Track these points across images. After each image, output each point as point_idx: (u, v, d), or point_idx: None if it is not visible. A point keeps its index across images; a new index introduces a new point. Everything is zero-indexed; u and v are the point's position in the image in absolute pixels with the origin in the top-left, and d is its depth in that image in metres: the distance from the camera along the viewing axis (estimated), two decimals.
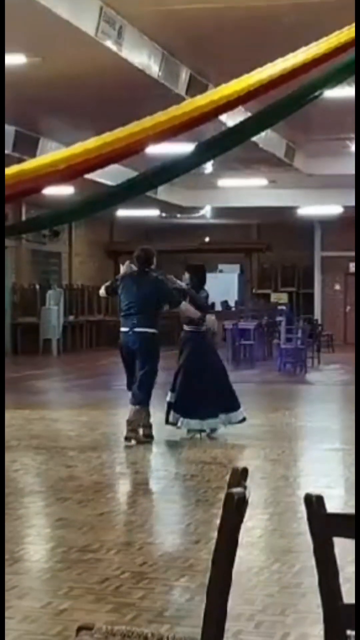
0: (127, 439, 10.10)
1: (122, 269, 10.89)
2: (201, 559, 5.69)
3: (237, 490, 2.50)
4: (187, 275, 11.23)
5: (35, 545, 6.24)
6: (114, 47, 12.10)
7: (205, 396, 10.45)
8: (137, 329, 10.27)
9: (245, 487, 2.56)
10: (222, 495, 2.32)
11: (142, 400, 10.23)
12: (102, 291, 10.98)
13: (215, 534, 2.48)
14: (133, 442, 10.04)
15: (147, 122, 11.74)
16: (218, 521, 2.47)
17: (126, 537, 6.45)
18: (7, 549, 5.98)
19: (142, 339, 10.28)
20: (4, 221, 14.29)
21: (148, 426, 10.26)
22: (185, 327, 10.92)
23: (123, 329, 10.43)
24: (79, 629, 2.98)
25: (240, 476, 2.65)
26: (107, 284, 10.97)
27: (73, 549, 6.00)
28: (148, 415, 10.30)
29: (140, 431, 10.18)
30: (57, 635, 4.49)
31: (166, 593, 5.19)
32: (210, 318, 11.10)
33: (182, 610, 4.92)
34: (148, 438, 10.19)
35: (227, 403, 10.72)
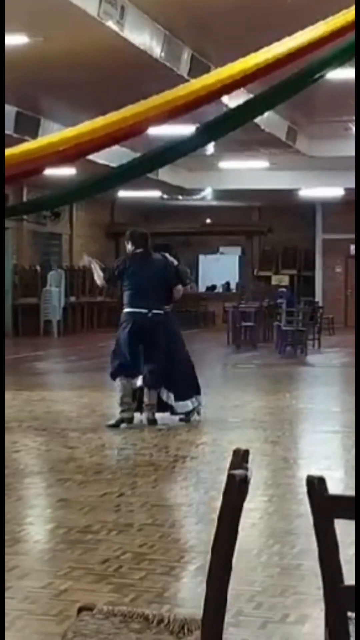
0: (153, 421, 10.22)
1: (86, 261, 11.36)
2: (201, 540, 5.70)
3: (238, 471, 2.50)
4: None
5: (35, 525, 6.26)
6: (115, 28, 12.06)
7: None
8: (155, 310, 10.27)
9: (247, 469, 2.56)
10: (222, 477, 2.32)
11: (160, 383, 10.30)
12: (101, 282, 10.81)
13: (215, 516, 2.48)
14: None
15: (149, 103, 11.71)
16: (218, 503, 2.47)
17: (126, 518, 6.46)
18: (8, 529, 6.00)
19: (161, 319, 10.33)
20: (4, 204, 14.24)
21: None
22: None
23: (140, 310, 10.31)
24: (80, 610, 2.99)
25: (241, 458, 2.65)
26: (103, 274, 10.70)
27: (73, 530, 6.01)
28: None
29: (151, 414, 10.24)
30: (58, 616, 4.50)
31: (166, 574, 5.20)
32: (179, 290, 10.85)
33: (183, 591, 4.94)
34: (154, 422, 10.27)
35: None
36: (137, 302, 10.33)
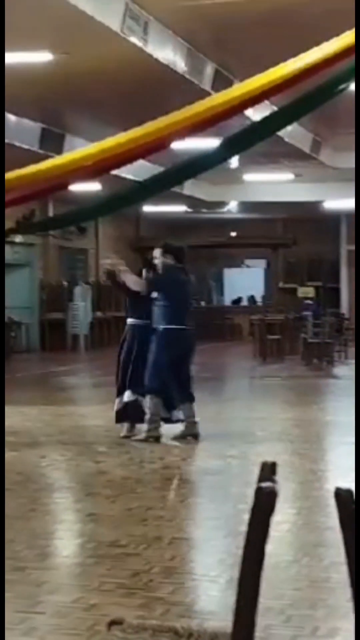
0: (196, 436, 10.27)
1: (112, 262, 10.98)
2: (230, 553, 5.70)
3: (267, 484, 2.51)
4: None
5: (65, 540, 6.27)
6: (139, 43, 12.12)
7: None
8: (191, 328, 10.42)
9: (275, 481, 2.57)
10: (250, 490, 2.32)
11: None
12: (141, 287, 10.44)
13: (243, 528, 2.49)
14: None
15: (173, 117, 11.76)
16: (246, 516, 2.48)
17: (155, 531, 6.47)
18: (38, 544, 6.02)
19: (194, 336, 10.54)
20: (4, 222, 14.28)
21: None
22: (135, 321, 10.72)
23: (188, 328, 10.33)
24: (110, 624, 3.00)
25: (269, 470, 2.66)
26: (142, 281, 10.52)
27: (103, 544, 6.02)
28: None
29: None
30: (88, 630, 4.51)
31: (195, 587, 5.20)
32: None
33: (212, 604, 4.93)
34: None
35: None
36: (183, 319, 10.31)
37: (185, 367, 10.34)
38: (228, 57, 14.03)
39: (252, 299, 32.56)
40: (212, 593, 5.12)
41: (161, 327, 10.23)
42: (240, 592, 2.52)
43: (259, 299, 32.11)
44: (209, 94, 12.65)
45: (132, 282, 10.49)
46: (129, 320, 10.76)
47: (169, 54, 13.15)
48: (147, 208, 27.43)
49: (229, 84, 13.86)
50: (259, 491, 2.50)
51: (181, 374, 10.24)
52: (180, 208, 28.46)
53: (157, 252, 10.62)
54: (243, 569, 2.53)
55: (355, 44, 8.35)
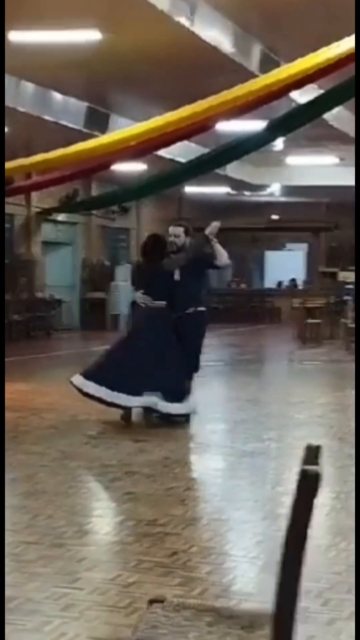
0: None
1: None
2: (267, 535, 5.72)
3: (311, 467, 2.52)
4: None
5: (104, 518, 6.31)
6: (186, 23, 12.09)
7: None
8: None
9: (318, 465, 2.57)
10: (288, 473, 2.34)
11: None
12: (226, 262, 10.43)
13: (281, 511, 2.53)
14: None
15: (219, 98, 11.73)
16: (284, 499, 2.51)
17: (194, 512, 6.50)
18: (77, 521, 6.07)
19: None
20: (4, 220, 14.31)
21: None
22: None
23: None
24: (151, 602, 3.02)
25: (314, 453, 2.67)
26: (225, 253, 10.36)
27: (141, 523, 6.06)
28: None
29: None
30: (126, 608, 4.54)
31: (233, 568, 5.23)
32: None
33: (250, 585, 4.95)
34: None
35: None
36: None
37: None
38: (275, 38, 13.96)
39: (293, 282, 32.47)
40: (249, 574, 5.14)
41: (200, 309, 10.20)
42: (283, 574, 2.53)
43: (299, 282, 32.01)
44: (255, 76, 12.59)
45: (220, 253, 10.17)
46: (160, 303, 10.05)
47: (216, 34, 13.10)
48: (190, 189, 27.38)
49: (275, 65, 13.78)
50: (303, 474, 2.51)
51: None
52: (222, 190, 28.39)
53: (179, 231, 10.39)
54: (285, 551, 2.54)
55: (355, 44, 8.31)
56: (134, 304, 10.60)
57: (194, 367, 10.13)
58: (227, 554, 5.51)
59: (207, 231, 10.19)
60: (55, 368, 15.33)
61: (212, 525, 6.09)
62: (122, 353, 9.89)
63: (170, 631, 2.80)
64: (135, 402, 9.71)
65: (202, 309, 10.20)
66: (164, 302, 9.96)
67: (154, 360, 9.68)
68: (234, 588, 4.91)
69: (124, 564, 5.23)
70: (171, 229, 10.48)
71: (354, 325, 20.29)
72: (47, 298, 24.06)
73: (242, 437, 9.41)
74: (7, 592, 4.74)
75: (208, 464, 8.40)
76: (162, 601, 3.01)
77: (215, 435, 9.63)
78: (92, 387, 9.72)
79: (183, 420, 9.90)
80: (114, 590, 4.80)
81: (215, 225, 10.20)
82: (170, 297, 9.99)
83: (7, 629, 4.27)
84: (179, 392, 9.84)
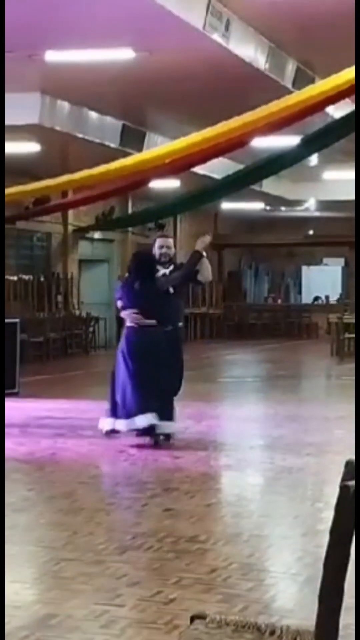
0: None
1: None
2: (308, 551, 5.69)
3: (351, 483, 2.51)
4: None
5: (143, 534, 6.30)
6: (221, 41, 12.12)
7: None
8: None
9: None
10: (328, 489, 2.34)
11: None
12: (209, 279, 10.63)
13: (321, 527, 2.52)
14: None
15: (253, 115, 11.76)
16: (325, 514, 2.50)
17: (233, 528, 6.49)
18: (117, 537, 6.08)
19: None
20: (4, 218, 14.33)
21: None
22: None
23: None
24: (193, 618, 3.02)
25: (354, 469, 2.66)
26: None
27: (181, 539, 6.05)
28: None
29: None
30: (167, 625, 4.54)
31: (274, 585, 5.21)
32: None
33: (291, 602, 4.93)
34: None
35: None
36: None
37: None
38: (310, 54, 13.97)
39: (329, 297, 32.36)
40: (291, 591, 5.12)
41: (180, 324, 10.35)
42: (323, 592, 2.52)
43: (337, 297, 31.88)
44: (290, 91, 12.61)
45: (207, 269, 10.31)
46: (151, 322, 9.85)
47: (250, 51, 13.13)
48: (226, 205, 27.41)
49: (310, 81, 13.80)
50: (343, 490, 2.50)
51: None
52: (258, 205, 28.40)
53: (170, 242, 10.56)
54: (326, 568, 2.53)
55: (355, 45, 8.28)
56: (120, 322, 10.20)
57: (180, 382, 10.19)
58: (267, 570, 5.50)
59: (198, 246, 10.21)
60: (93, 386, 15.34)
61: (252, 542, 6.07)
62: (122, 379, 9.72)
63: None
64: (135, 424, 9.56)
65: (180, 324, 10.36)
66: (154, 321, 9.78)
67: (152, 382, 9.57)
68: (275, 605, 4.89)
69: (164, 580, 5.22)
70: (162, 241, 10.48)
71: None
72: (83, 316, 24.13)
73: (281, 453, 9.39)
74: (48, 609, 4.75)
75: (247, 480, 8.38)
76: (204, 617, 3.01)
77: (254, 452, 9.61)
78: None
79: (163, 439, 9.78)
80: (154, 607, 4.80)
81: (205, 240, 10.27)
82: (161, 312, 9.82)
83: None
84: (172, 411, 9.80)
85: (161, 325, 9.79)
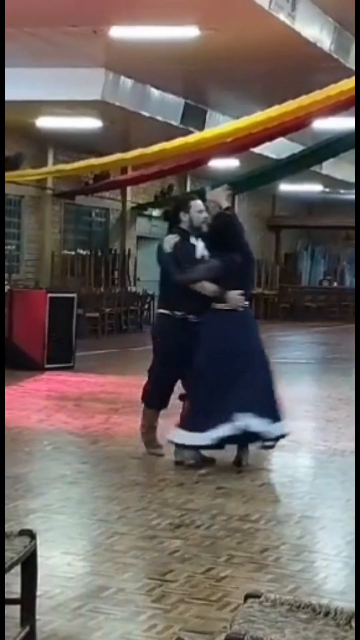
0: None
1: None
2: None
3: None
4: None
5: (195, 511, 6.33)
6: (286, 20, 12.06)
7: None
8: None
9: None
10: None
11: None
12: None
13: None
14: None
15: (316, 96, 11.69)
16: None
17: (285, 508, 6.50)
18: (169, 514, 6.12)
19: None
20: (4, 221, 14.34)
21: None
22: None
23: None
24: (247, 597, 3.04)
25: None
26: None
27: (233, 518, 6.08)
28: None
29: None
30: (218, 602, 4.56)
31: (326, 567, 5.21)
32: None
33: (342, 584, 4.93)
34: None
35: None
36: None
37: None
38: None
39: None
40: (342, 574, 5.11)
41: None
42: None
43: None
44: (354, 73, 12.50)
45: (202, 287, 7.76)
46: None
47: (315, 31, 13.05)
48: (284, 187, 27.30)
49: None
50: None
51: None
52: (316, 187, 28.24)
53: (203, 206, 7.91)
54: None
55: (355, 47, 8.17)
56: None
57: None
58: (318, 552, 5.50)
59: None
60: (148, 361, 15.40)
61: (303, 523, 6.08)
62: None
63: (266, 626, 2.81)
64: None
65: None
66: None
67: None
68: (326, 587, 4.90)
69: (215, 558, 5.25)
70: (198, 204, 7.90)
71: None
72: (139, 292, 24.19)
73: (334, 435, 9.37)
74: (100, 582, 4.80)
75: (299, 461, 8.38)
76: (258, 596, 3.03)
77: (307, 433, 9.58)
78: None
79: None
80: (205, 583, 4.83)
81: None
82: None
83: (100, 617, 4.32)
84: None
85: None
